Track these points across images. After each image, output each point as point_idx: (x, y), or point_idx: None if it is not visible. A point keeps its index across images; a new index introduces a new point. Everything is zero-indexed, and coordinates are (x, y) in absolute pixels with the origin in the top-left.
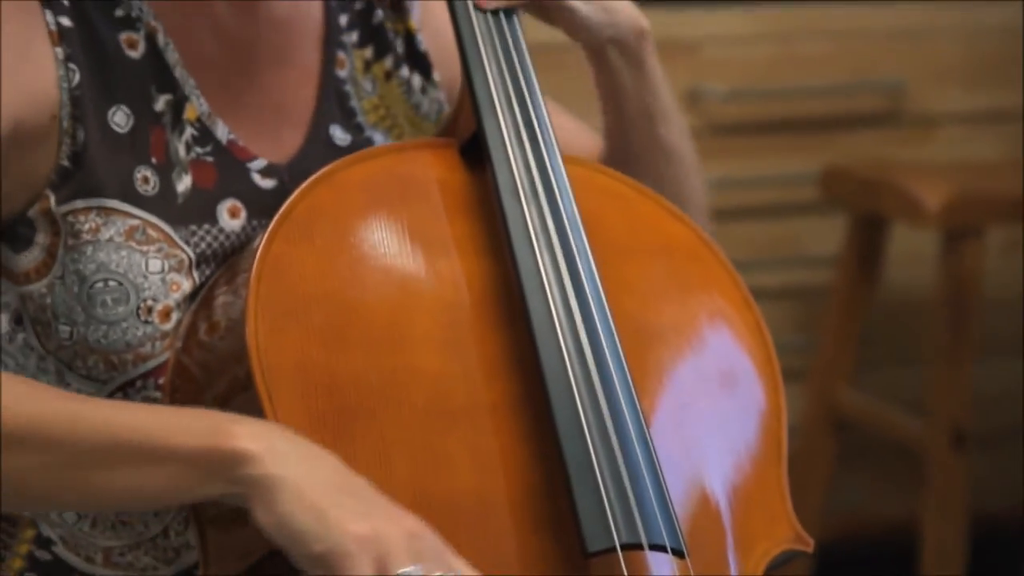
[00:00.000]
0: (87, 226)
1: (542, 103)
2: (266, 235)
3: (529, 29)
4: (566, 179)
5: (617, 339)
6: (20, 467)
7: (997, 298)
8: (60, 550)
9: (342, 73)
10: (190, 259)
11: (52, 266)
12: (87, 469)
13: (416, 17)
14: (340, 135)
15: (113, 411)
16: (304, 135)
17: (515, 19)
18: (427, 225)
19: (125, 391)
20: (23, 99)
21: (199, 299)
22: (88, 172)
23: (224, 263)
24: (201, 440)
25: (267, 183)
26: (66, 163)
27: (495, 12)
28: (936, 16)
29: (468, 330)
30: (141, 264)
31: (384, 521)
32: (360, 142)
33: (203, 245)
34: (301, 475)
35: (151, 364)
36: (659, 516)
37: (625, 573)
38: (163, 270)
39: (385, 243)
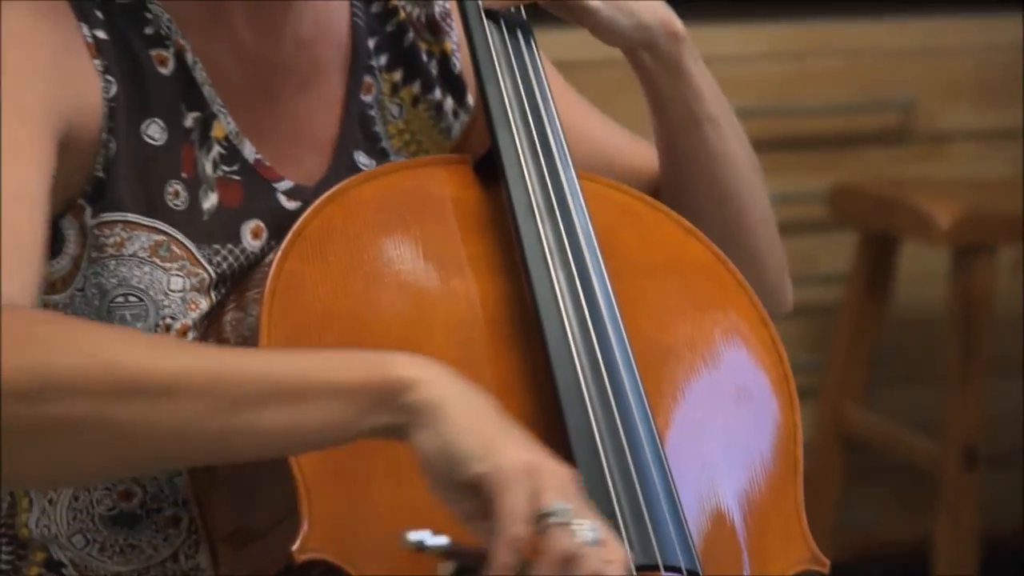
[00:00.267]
0: (112, 240)
1: (557, 119)
2: (279, 253)
3: (569, 46)
4: (581, 196)
5: (632, 357)
6: (176, 418)
7: (1008, 317)
8: (70, 573)
9: (367, 98)
10: (211, 278)
11: (76, 277)
12: (247, 412)
13: (454, 39)
14: (364, 160)
15: (265, 356)
16: (329, 160)
17: (530, 36)
18: (440, 242)
19: None
20: (74, 107)
21: (211, 318)
22: (116, 185)
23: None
24: (362, 373)
25: (292, 204)
26: (101, 174)
27: (511, 29)
28: (947, 34)
29: (482, 348)
30: (163, 281)
31: (543, 456)
32: None
33: (224, 265)
34: (464, 399)
35: None
36: (674, 537)
37: None
38: (184, 288)
39: (398, 261)
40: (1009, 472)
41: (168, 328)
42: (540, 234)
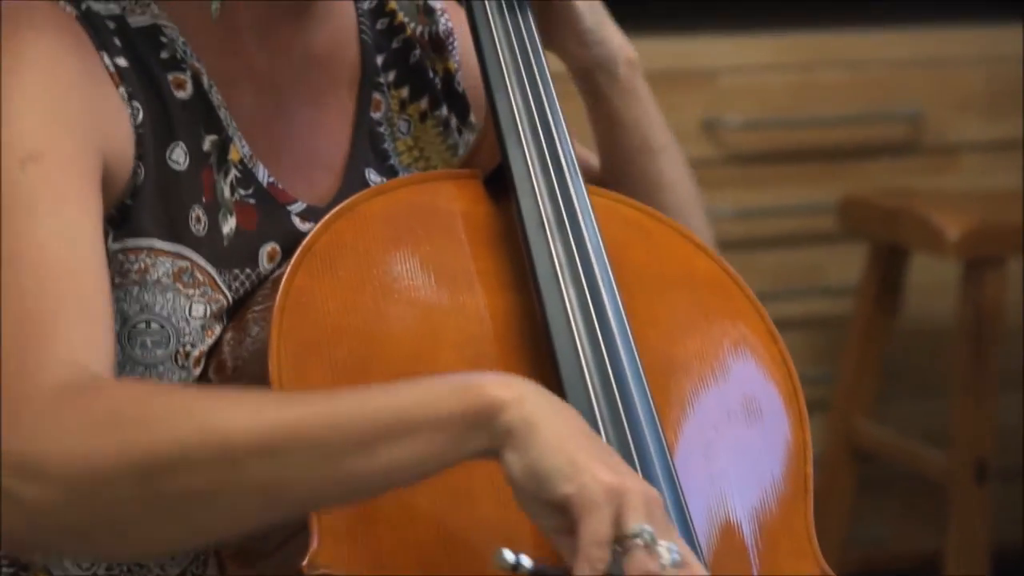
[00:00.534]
0: (136, 266)
1: (567, 134)
2: (289, 268)
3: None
4: (591, 211)
5: (642, 372)
6: (278, 475)
7: (1017, 329)
8: None
9: (376, 115)
10: (228, 303)
11: None
12: (357, 457)
13: (456, 57)
14: (375, 179)
15: (358, 396)
16: (340, 178)
17: (540, 49)
18: (450, 257)
19: None
20: (108, 141)
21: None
22: (142, 211)
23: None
24: (456, 402)
25: (306, 226)
26: (128, 200)
27: (520, 42)
28: (955, 45)
29: (492, 364)
30: (185, 308)
31: (628, 476)
32: None
33: (242, 290)
34: (553, 419)
35: None
36: None
37: None
38: (205, 315)
39: (408, 276)
40: (1020, 484)
41: (187, 355)
42: (550, 249)
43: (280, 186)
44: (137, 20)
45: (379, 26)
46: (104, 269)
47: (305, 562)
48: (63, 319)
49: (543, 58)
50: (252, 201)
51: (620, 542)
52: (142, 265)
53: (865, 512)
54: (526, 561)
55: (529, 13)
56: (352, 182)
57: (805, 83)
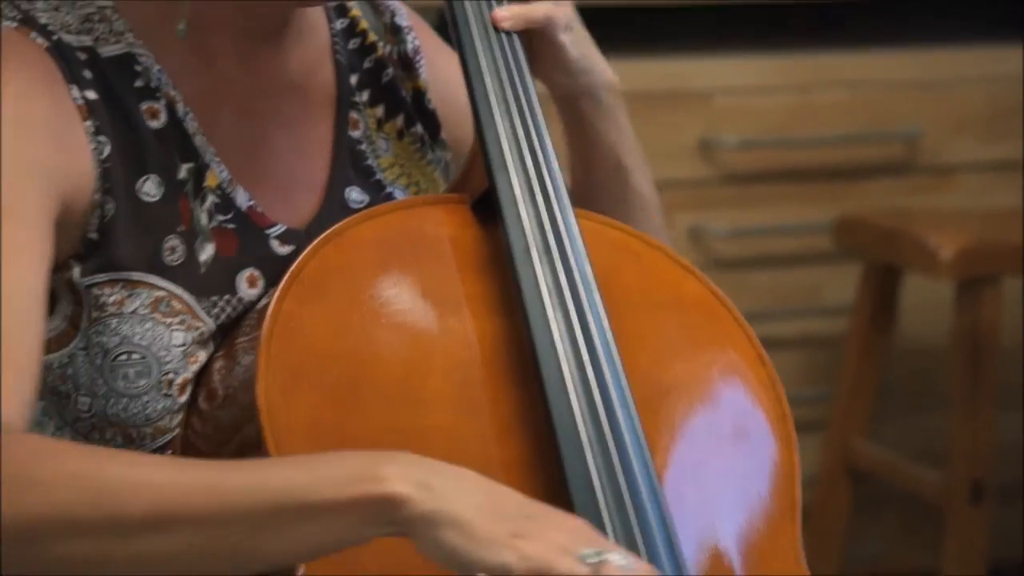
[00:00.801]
0: (112, 299)
1: (555, 159)
2: (276, 294)
3: None
4: (579, 236)
5: (630, 397)
6: (175, 549)
7: (1013, 348)
8: None
9: (356, 133)
10: (211, 331)
11: (74, 337)
12: (247, 538)
13: (424, 76)
14: (357, 196)
15: (253, 473)
16: (320, 199)
17: (527, 75)
18: (439, 283)
19: None
20: (68, 182)
21: (202, 370)
22: (115, 244)
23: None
24: (350, 490)
25: (285, 249)
26: (94, 235)
27: (508, 68)
28: (951, 66)
29: (481, 389)
30: (164, 337)
31: (546, 527)
32: (379, 200)
33: (223, 316)
34: (457, 505)
35: (167, 438)
36: None
37: None
38: (185, 343)
39: (397, 301)
40: (1016, 504)
41: (170, 383)
42: (537, 275)
43: (260, 209)
44: (110, 49)
45: (351, 46)
46: (42, 325)
47: None
48: None
49: (531, 84)
50: (231, 226)
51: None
52: (118, 297)
53: (861, 531)
54: None
55: (517, 40)
56: (333, 202)
57: (801, 103)
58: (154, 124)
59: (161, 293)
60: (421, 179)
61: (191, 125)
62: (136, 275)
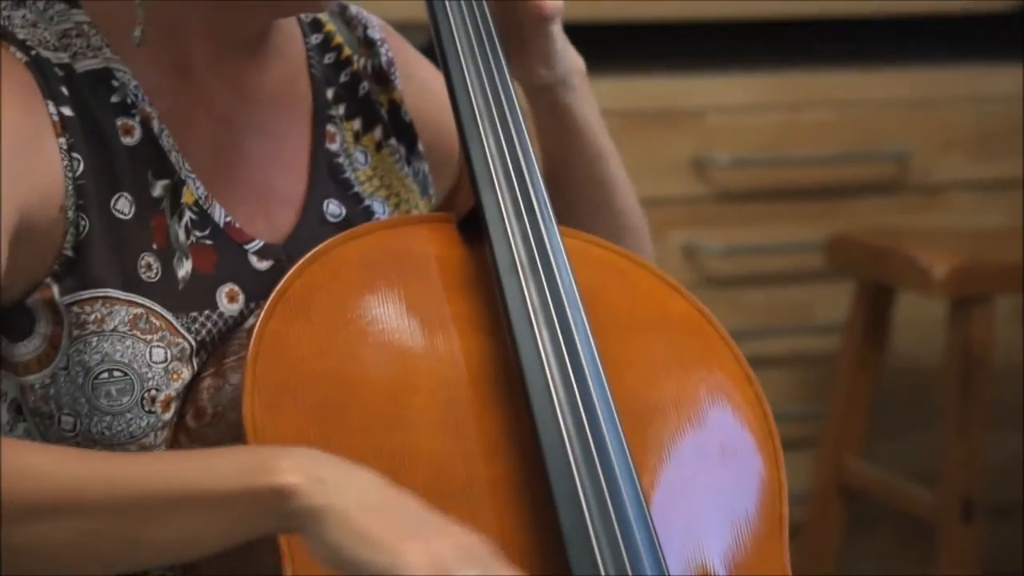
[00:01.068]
0: (92, 316)
1: (540, 177)
2: (262, 314)
3: None
4: (564, 254)
5: (616, 416)
6: (69, 537)
7: (1005, 366)
8: None
9: (333, 146)
10: (191, 346)
11: (54, 357)
12: (126, 528)
13: (399, 87)
14: (335, 209)
15: (151, 463)
16: (298, 213)
17: (512, 92)
18: (425, 302)
19: None
20: (32, 193)
21: (189, 387)
22: (91, 262)
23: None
24: (241, 481)
25: (263, 264)
26: (70, 253)
27: (493, 86)
28: (941, 85)
29: (467, 408)
30: (145, 354)
31: (434, 536)
32: (357, 213)
33: (203, 332)
34: (347, 501)
35: None
36: None
37: None
38: (166, 359)
39: (383, 320)
40: (1008, 522)
41: (153, 400)
42: (524, 293)
43: (237, 225)
44: (88, 64)
45: (327, 60)
46: None
47: None
48: None
49: (516, 101)
50: (209, 242)
51: None
52: (98, 315)
53: (854, 549)
54: None
55: (501, 55)
56: (311, 216)
57: (793, 122)
58: (128, 141)
59: (139, 310)
60: (401, 190)
61: (167, 142)
62: (114, 292)
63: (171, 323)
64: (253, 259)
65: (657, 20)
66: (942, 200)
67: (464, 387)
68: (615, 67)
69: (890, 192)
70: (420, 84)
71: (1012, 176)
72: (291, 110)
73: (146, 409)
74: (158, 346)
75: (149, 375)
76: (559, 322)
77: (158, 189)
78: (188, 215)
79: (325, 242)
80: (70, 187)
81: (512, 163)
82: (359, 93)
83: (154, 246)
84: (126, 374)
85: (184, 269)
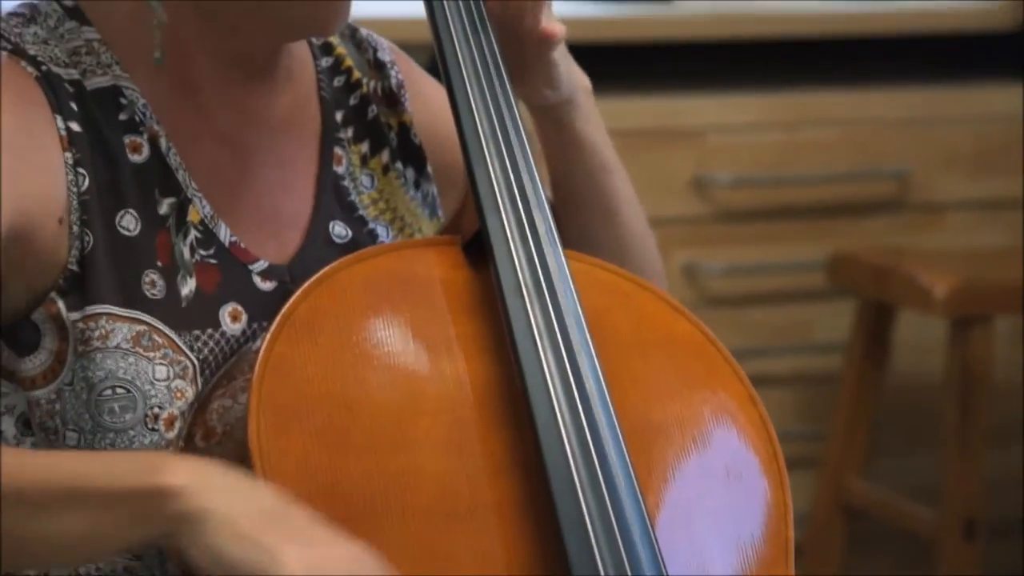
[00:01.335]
0: (96, 333)
1: (544, 200)
2: (268, 336)
3: None
4: (569, 277)
5: (621, 438)
6: None
7: (1006, 385)
8: None
9: (339, 169)
10: (194, 365)
11: (60, 372)
12: (16, 520)
13: (409, 109)
14: (340, 231)
15: (57, 459)
16: (303, 234)
17: (516, 114)
18: (430, 324)
19: None
20: (30, 201)
21: (198, 406)
22: (95, 278)
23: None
24: (131, 480)
25: (267, 285)
26: (75, 268)
27: (498, 108)
28: (941, 105)
29: (472, 430)
30: (148, 371)
31: (322, 546)
32: (362, 236)
33: (206, 351)
34: (231, 506)
35: None
36: None
37: None
38: (169, 377)
39: (388, 343)
40: (1009, 540)
41: (156, 418)
42: (528, 315)
43: (242, 245)
44: (98, 81)
45: (336, 83)
46: None
47: None
48: None
49: (520, 123)
50: (213, 261)
51: None
52: (102, 332)
53: (856, 569)
54: None
55: (505, 77)
56: (316, 237)
57: (793, 141)
58: (136, 158)
59: (142, 327)
60: (406, 214)
61: (174, 160)
62: (117, 309)
63: (173, 341)
64: (257, 279)
65: (658, 41)
66: (942, 219)
67: (469, 408)
68: (616, 87)
69: (890, 211)
70: (430, 105)
71: (1012, 195)
72: (299, 132)
73: (149, 427)
74: (161, 364)
75: (152, 392)
76: (563, 344)
77: (164, 207)
78: (193, 233)
79: (330, 265)
80: (74, 201)
81: (517, 186)
82: (368, 116)
83: (158, 263)
84: (129, 391)
85: (188, 287)
